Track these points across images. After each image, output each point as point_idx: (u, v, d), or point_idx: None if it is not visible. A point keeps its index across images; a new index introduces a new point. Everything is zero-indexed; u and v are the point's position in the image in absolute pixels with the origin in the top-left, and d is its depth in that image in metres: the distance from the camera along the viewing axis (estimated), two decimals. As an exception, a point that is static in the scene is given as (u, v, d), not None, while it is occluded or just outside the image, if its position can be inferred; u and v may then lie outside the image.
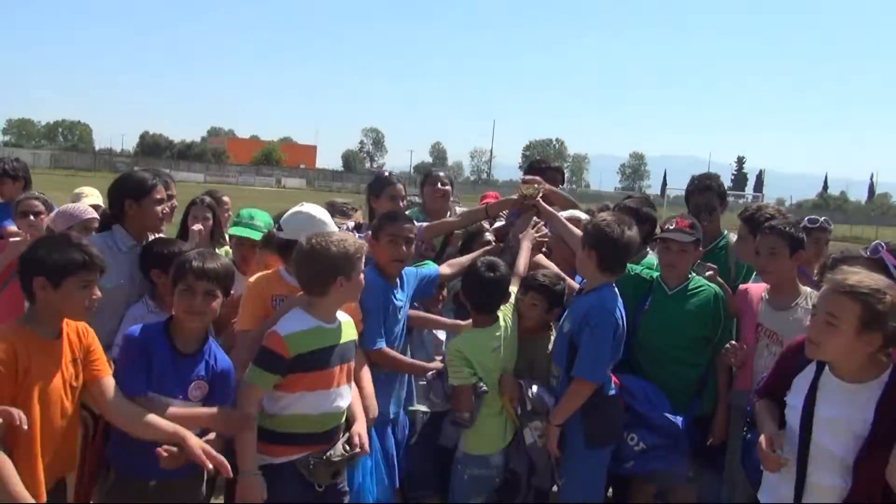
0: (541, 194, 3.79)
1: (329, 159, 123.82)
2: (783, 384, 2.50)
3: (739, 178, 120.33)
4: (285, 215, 3.15)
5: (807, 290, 3.31)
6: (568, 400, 3.11)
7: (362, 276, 2.85)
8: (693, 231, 3.45)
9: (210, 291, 2.60)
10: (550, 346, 3.39)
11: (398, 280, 3.39)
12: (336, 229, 3.08)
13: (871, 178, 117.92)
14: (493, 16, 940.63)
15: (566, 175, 5.04)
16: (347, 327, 2.95)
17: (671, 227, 3.46)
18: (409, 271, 3.49)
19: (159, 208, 3.33)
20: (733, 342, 3.33)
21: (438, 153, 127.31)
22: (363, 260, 2.85)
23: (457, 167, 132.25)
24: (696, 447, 3.37)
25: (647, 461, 3.22)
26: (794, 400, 2.39)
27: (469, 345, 3.24)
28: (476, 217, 4.02)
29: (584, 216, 3.97)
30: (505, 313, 3.35)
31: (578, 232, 3.48)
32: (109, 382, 2.55)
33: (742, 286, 3.57)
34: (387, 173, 4.61)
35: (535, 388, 3.19)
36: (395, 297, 3.34)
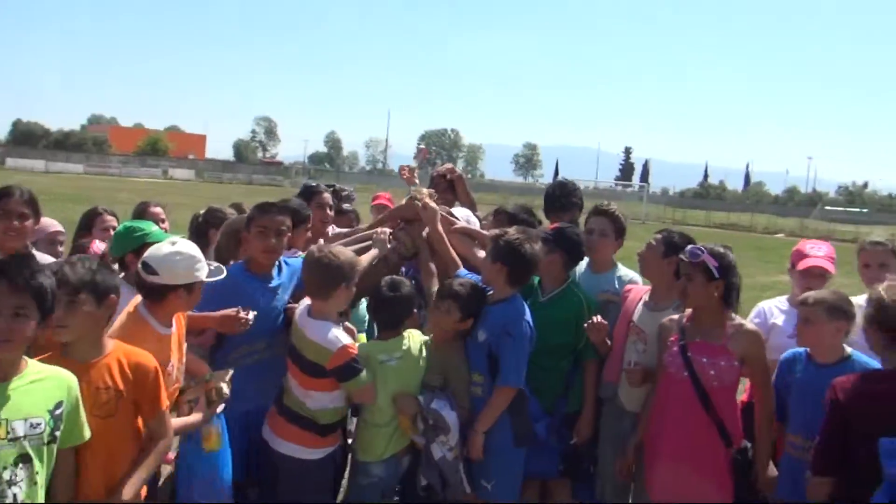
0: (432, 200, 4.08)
1: (219, 149, 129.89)
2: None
3: (627, 168, 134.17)
4: (156, 256, 3.02)
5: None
6: (493, 407, 3.48)
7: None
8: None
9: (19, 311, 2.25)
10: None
11: (275, 273, 3.69)
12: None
13: (747, 168, 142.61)
14: (387, 4, 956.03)
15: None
16: None
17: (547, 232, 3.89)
18: (295, 264, 3.77)
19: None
20: (598, 318, 3.72)
21: (333, 143, 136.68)
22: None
23: (352, 157, 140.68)
24: (567, 445, 3.85)
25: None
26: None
27: (371, 352, 3.53)
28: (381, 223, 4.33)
29: (474, 219, 4.44)
30: (412, 334, 3.63)
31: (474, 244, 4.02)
32: None
33: (628, 286, 4.02)
34: (314, 183, 4.93)
35: (434, 403, 3.43)
36: (261, 290, 3.62)
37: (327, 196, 4.65)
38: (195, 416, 3.07)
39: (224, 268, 3.35)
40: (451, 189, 5.01)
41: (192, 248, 3.14)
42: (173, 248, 3.08)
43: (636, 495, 3.93)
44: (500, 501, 3.60)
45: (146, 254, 3.08)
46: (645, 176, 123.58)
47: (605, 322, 3.77)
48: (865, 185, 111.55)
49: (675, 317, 3.60)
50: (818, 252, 4.02)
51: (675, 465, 3.43)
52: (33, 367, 2.35)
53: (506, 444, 3.57)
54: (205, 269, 3.16)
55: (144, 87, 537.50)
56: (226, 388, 3.15)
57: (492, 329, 3.57)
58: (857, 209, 64.01)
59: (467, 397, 3.62)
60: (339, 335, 3.38)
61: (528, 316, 3.60)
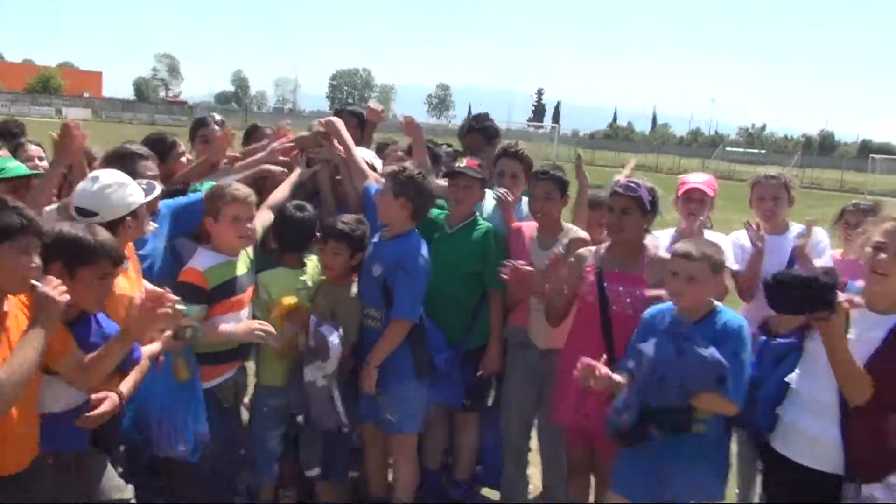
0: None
1: (118, 87, 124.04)
2: None
3: (539, 110, 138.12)
4: (86, 197, 2.95)
5: (568, 226, 3.82)
6: (388, 340, 3.50)
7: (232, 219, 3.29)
8: (480, 170, 3.92)
9: None
10: (354, 290, 3.68)
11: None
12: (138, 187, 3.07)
13: (654, 111, 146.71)
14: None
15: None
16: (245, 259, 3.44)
17: (461, 165, 3.93)
18: (164, 206, 3.56)
19: None
20: (514, 263, 3.58)
21: (240, 82, 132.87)
22: (228, 204, 3.29)
23: (260, 97, 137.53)
24: (469, 379, 3.90)
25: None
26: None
27: (274, 282, 3.57)
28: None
29: (378, 160, 4.38)
30: (312, 261, 3.70)
31: (369, 173, 4.02)
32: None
33: (515, 225, 4.00)
34: (210, 115, 4.84)
35: (322, 326, 3.46)
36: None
37: (213, 129, 4.49)
38: (155, 345, 2.98)
39: (155, 183, 3.32)
40: (359, 127, 4.93)
41: (116, 176, 3.06)
42: (99, 182, 2.98)
43: (541, 428, 4.04)
44: (404, 432, 3.66)
45: (76, 200, 2.97)
46: (556, 118, 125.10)
47: (526, 267, 3.62)
48: (763, 128, 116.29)
49: (593, 248, 3.65)
50: (698, 178, 4.20)
51: (575, 389, 3.50)
52: None
53: (407, 377, 3.60)
54: (139, 190, 3.09)
55: (33, 20, 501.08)
56: (197, 326, 3.10)
57: (387, 263, 3.58)
58: (756, 150, 66.78)
59: (356, 332, 3.65)
60: (201, 258, 3.38)
61: (424, 251, 3.62)
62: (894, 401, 2.74)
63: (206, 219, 3.42)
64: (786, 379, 3.05)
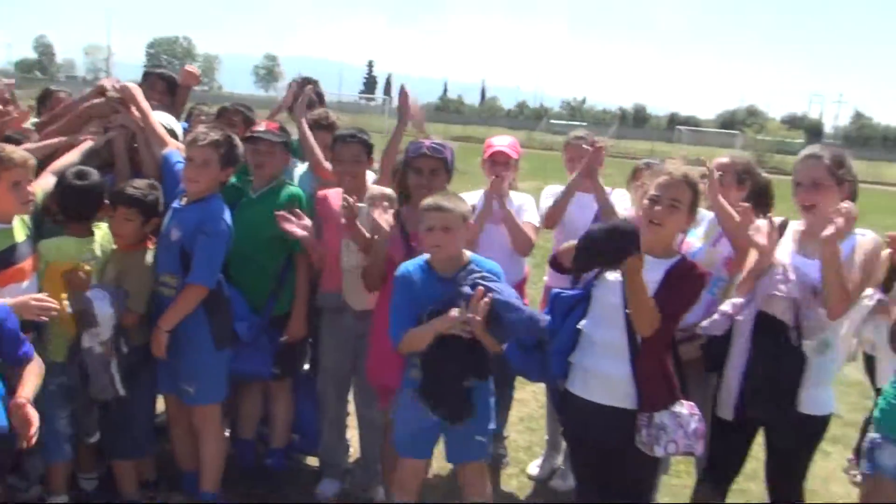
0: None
1: None
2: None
3: (370, 82, 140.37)
4: None
5: (374, 188, 3.71)
6: (181, 304, 3.37)
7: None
8: (282, 134, 3.90)
9: None
10: (150, 258, 3.54)
11: None
12: None
13: (483, 83, 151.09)
14: None
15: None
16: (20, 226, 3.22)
17: (260, 129, 3.87)
18: None
19: None
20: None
21: (44, 48, 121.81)
22: (8, 169, 3.09)
23: (68, 65, 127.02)
24: (277, 345, 3.82)
25: (232, 365, 3.62)
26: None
27: (56, 251, 3.35)
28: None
29: (179, 127, 4.23)
30: (101, 230, 3.50)
31: (168, 140, 3.85)
32: None
33: (321, 192, 3.93)
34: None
35: (91, 292, 3.29)
36: None
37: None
38: None
39: None
40: (168, 92, 4.74)
41: None
42: None
43: (356, 392, 4.03)
44: (204, 403, 3.58)
45: None
46: (388, 90, 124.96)
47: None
48: (584, 101, 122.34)
49: (404, 206, 3.68)
50: (503, 142, 4.35)
51: (380, 348, 3.56)
52: None
53: (205, 347, 3.50)
54: None
55: None
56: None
57: (187, 228, 3.45)
58: (577, 123, 70.26)
59: (144, 300, 3.53)
60: None
61: (226, 216, 3.51)
62: (668, 337, 3.02)
63: None
64: (578, 326, 3.23)
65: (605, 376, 3.06)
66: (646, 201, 3.07)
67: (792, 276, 3.13)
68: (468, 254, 3.27)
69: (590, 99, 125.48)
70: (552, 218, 4.24)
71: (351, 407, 4.16)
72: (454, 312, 3.06)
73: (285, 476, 4.18)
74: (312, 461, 4.34)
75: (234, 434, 4.21)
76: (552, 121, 66.55)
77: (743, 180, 3.78)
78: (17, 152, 3.19)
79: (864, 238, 3.19)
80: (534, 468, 4.58)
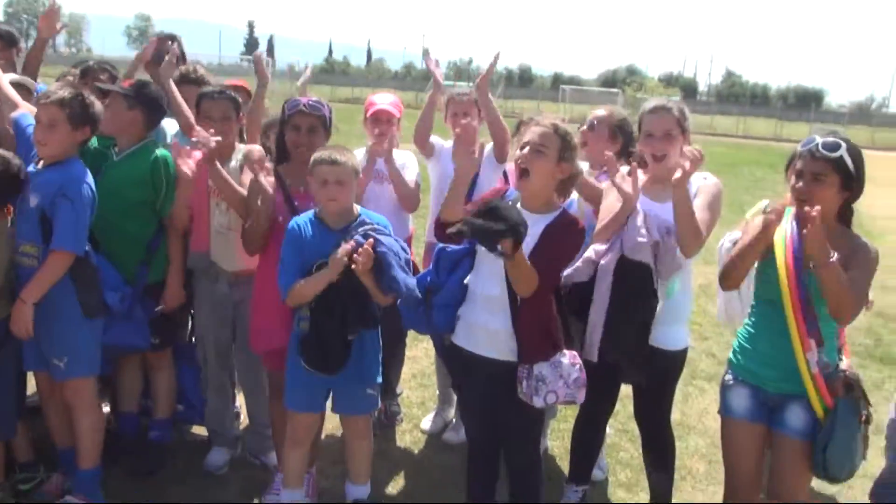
0: None
1: None
2: None
3: (252, 44, 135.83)
4: None
5: (245, 147, 3.64)
6: (45, 273, 3.19)
7: None
8: (139, 88, 3.72)
9: None
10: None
11: None
12: None
13: (369, 45, 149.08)
14: None
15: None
16: None
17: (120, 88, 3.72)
18: None
19: None
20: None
21: None
22: None
23: None
24: (154, 315, 3.68)
25: (107, 338, 3.46)
26: None
27: None
28: None
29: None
30: None
31: (20, 102, 3.68)
32: None
33: (187, 149, 3.58)
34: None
35: None
36: None
37: None
38: None
39: None
40: (7, 48, 4.56)
41: None
42: None
43: (238, 358, 3.95)
44: (75, 377, 3.42)
45: None
46: (270, 51, 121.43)
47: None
48: (470, 62, 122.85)
49: (283, 165, 3.62)
50: (385, 100, 4.33)
51: (263, 312, 3.53)
52: None
53: (74, 318, 3.34)
54: None
55: None
56: None
57: (45, 193, 3.26)
58: (465, 83, 70.58)
59: (1, 273, 3.30)
60: None
61: (88, 178, 3.35)
62: (548, 292, 3.07)
63: None
64: (465, 281, 3.26)
65: (488, 329, 3.11)
66: (516, 150, 3.12)
67: (650, 222, 3.26)
68: (357, 207, 3.31)
69: (476, 60, 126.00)
70: (417, 139, 4.38)
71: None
72: (339, 251, 3.08)
73: (172, 448, 4.07)
74: (201, 431, 4.23)
75: (116, 408, 4.04)
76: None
77: (615, 134, 3.90)
78: None
79: (707, 182, 3.37)
80: (426, 423, 4.64)
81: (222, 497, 3.76)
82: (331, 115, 3.58)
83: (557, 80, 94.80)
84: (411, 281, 3.18)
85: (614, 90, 55.19)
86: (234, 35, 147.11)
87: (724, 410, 3.17)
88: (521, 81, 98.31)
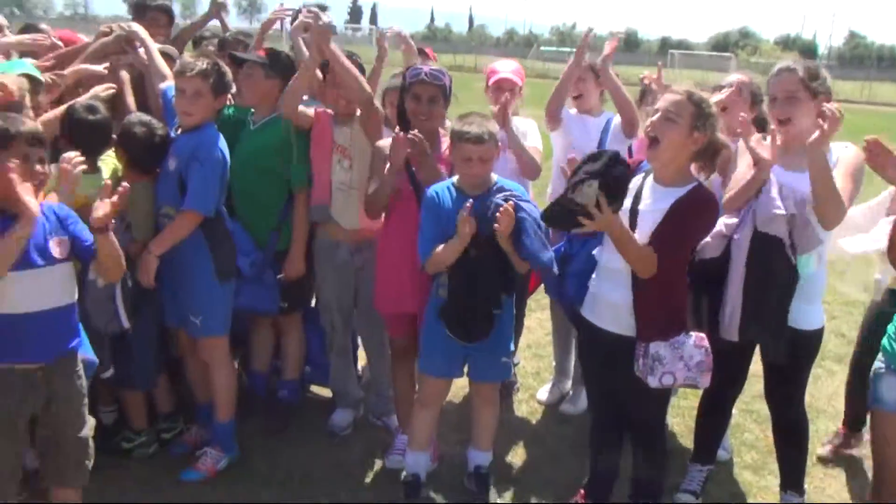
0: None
1: None
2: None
3: (355, 12, 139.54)
4: None
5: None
6: (174, 230, 3.32)
7: None
8: (272, 57, 3.80)
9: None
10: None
11: None
12: None
13: (470, 11, 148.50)
14: None
15: None
16: None
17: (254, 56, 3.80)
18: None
19: None
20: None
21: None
22: None
23: (46, 2, 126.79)
24: (283, 281, 3.78)
25: (239, 301, 3.61)
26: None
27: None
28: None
29: None
30: (107, 165, 3.39)
31: (169, 75, 3.76)
32: None
33: (318, 111, 3.75)
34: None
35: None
36: None
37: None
38: None
39: None
40: (169, 24, 4.82)
41: None
42: None
43: (361, 322, 4.02)
44: (210, 335, 3.58)
45: None
46: (374, 20, 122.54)
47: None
48: (574, 27, 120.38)
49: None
50: (507, 68, 4.28)
51: (395, 275, 3.56)
52: None
53: (208, 279, 3.48)
54: None
55: None
56: None
57: (181, 157, 3.41)
58: (568, 49, 69.23)
59: (147, 230, 3.48)
60: None
61: (221, 143, 3.46)
62: (673, 269, 2.95)
63: None
64: (593, 252, 3.21)
65: (611, 303, 3.05)
66: (647, 120, 3.01)
67: (786, 193, 3.08)
68: (494, 175, 3.30)
69: (580, 25, 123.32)
70: (549, 111, 4.25)
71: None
72: (461, 213, 3.08)
73: (299, 408, 4.21)
74: (326, 392, 4.36)
75: (247, 367, 4.22)
76: (542, 48, 65.34)
77: (755, 101, 3.71)
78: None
79: (848, 151, 3.14)
80: (543, 394, 4.63)
81: (346, 457, 3.87)
82: (450, 84, 3.56)
83: (665, 44, 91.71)
84: (548, 254, 3.13)
85: (727, 54, 52.90)
86: (338, 3, 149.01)
87: (876, 401, 2.90)
88: (627, 46, 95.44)
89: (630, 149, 4.11)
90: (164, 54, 4.05)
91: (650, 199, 2.99)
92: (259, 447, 3.86)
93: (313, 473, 3.70)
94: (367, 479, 3.72)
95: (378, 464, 3.83)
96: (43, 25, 4.78)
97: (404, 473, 3.56)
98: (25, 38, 4.11)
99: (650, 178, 3.05)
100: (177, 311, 3.56)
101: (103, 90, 3.65)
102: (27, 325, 2.60)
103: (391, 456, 3.81)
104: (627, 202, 2.98)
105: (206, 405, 3.78)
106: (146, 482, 3.55)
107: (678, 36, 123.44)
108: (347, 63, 3.59)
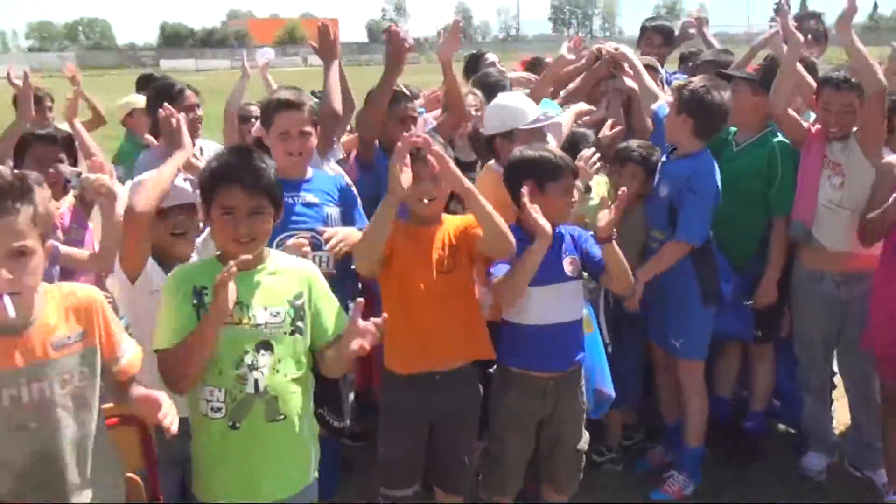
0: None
1: (352, 31, 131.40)
2: None
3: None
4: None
5: None
6: (661, 259, 3.37)
7: None
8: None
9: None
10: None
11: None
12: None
13: None
14: None
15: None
16: None
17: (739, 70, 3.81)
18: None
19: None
20: None
21: (463, 13, 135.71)
22: None
23: (484, 26, 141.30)
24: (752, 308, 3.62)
25: (715, 325, 3.53)
26: None
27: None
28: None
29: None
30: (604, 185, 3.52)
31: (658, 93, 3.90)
32: None
33: (808, 123, 3.61)
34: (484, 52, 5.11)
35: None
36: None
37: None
38: None
39: None
40: (665, 44, 4.99)
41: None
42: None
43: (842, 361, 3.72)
44: (689, 358, 3.59)
45: None
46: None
47: None
48: None
49: None
50: None
51: (883, 311, 3.27)
52: (275, 260, 2.34)
53: (693, 302, 3.47)
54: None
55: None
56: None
57: (674, 184, 3.43)
58: None
59: (637, 255, 3.53)
60: None
61: (715, 173, 3.42)
62: None
63: None
64: None
65: None
66: None
67: None
68: None
69: None
70: None
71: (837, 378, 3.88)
72: None
73: (763, 441, 3.99)
74: (785, 429, 4.12)
75: (710, 390, 4.13)
76: None
77: None
78: None
79: None
80: None
81: (821, 504, 3.55)
82: None
83: None
84: None
85: None
86: None
87: None
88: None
89: None
90: (648, 66, 4.15)
91: None
92: (726, 478, 3.76)
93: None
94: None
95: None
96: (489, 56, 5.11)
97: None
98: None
99: None
100: (660, 330, 3.63)
101: None
102: (547, 335, 2.86)
103: (881, 514, 3.40)
104: None
105: (674, 426, 3.78)
106: (615, 495, 3.66)
107: None
108: None
